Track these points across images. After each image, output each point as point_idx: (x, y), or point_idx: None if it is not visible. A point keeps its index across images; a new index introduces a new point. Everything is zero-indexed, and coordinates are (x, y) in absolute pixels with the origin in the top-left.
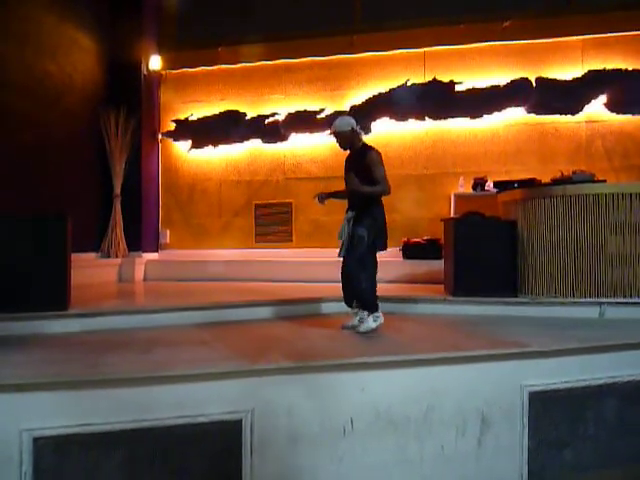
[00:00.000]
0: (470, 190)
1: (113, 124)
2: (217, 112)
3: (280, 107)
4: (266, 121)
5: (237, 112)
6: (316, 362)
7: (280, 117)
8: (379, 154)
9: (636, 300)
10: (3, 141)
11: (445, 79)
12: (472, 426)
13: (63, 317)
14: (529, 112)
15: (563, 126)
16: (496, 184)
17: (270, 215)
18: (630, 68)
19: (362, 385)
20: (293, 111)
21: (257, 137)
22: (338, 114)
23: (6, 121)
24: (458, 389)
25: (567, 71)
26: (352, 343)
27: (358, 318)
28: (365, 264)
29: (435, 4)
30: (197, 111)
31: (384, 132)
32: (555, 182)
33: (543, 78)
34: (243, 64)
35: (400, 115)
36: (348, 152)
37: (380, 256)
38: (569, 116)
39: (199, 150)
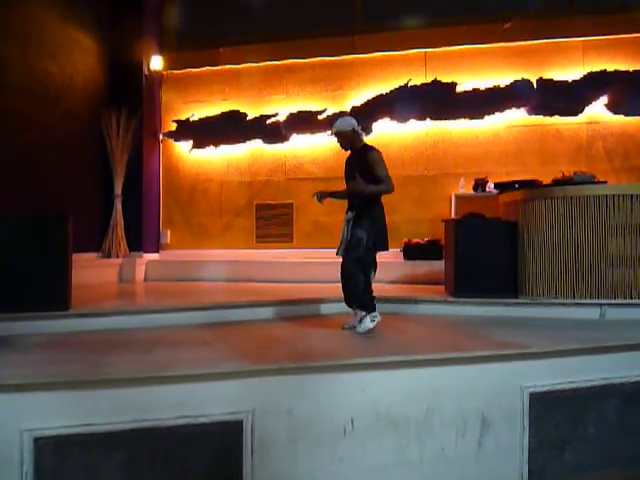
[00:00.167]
0: (471, 191)
1: (114, 124)
2: (218, 112)
3: (281, 107)
4: (267, 121)
5: (238, 112)
6: (317, 362)
7: (281, 117)
8: (380, 153)
9: (637, 301)
10: (4, 141)
11: (446, 80)
12: (472, 427)
13: (64, 317)
14: (530, 113)
15: (564, 127)
16: (497, 185)
17: (271, 216)
18: (631, 69)
19: (363, 386)
20: (294, 111)
21: (258, 137)
22: (339, 115)
23: (7, 121)
24: (458, 390)
25: (568, 72)
26: (353, 343)
27: (359, 318)
28: (363, 266)
29: (436, 5)
30: (198, 111)
31: (385, 133)
32: (556, 183)
33: (544, 79)
34: (244, 64)
35: (401, 116)
36: (349, 153)
37: (381, 257)
38: (570, 117)
39: (200, 150)
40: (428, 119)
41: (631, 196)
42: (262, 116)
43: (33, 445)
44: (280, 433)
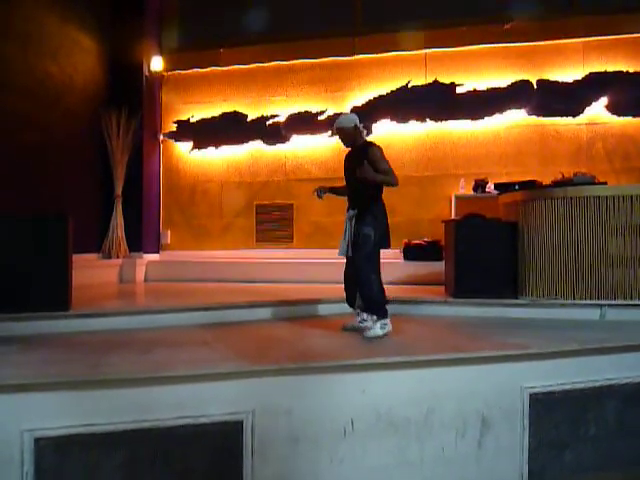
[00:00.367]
0: (471, 192)
1: (114, 125)
2: (218, 113)
3: (281, 108)
4: (267, 122)
5: (238, 113)
6: (317, 363)
7: (281, 118)
8: (380, 149)
9: (637, 302)
10: (4, 141)
11: (446, 81)
12: (472, 428)
13: (64, 317)
14: (530, 114)
15: (564, 128)
16: (497, 186)
17: (271, 216)
18: (631, 70)
19: (363, 386)
20: (294, 112)
21: (258, 138)
22: (339, 115)
23: (7, 121)
24: (459, 390)
25: (568, 73)
26: (353, 344)
27: (360, 319)
28: (374, 263)
29: (436, 6)
30: (198, 112)
31: (385, 134)
32: (556, 184)
33: (544, 80)
34: (244, 65)
35: (401, 117)
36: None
37: (381, 257)
38: (570, 118)
39: (200, 151)
40: (428, 120)
41: (631, 197)
42: (262, 117)
43: (34, 445)
44: (280, 433)
